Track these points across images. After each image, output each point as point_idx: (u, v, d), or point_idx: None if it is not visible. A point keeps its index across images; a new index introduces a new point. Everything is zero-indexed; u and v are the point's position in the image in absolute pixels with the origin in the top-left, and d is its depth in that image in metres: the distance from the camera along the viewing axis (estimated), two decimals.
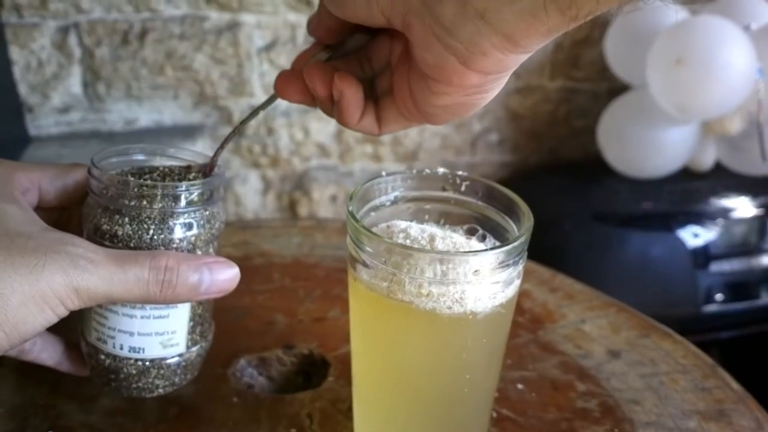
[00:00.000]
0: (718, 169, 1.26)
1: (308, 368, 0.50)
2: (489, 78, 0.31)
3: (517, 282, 0.36)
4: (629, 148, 1.21)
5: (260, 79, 1.21)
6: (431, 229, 0.38)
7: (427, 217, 0.41)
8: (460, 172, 0.41)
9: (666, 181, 1.22)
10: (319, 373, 0.49)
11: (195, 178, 0.39)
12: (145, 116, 1.19)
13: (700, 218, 1.17)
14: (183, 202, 0.37)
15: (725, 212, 1.19)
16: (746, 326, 1.21)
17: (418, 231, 0.37)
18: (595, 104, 1.37)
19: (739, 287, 1.18)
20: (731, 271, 1.17)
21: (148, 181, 0.38)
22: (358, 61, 0.39)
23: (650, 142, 1.18)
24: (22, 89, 1.12)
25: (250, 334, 0.52)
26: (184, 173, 0.40)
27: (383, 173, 0.40)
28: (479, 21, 0.28)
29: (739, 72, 1.03)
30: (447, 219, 0.41)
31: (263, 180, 1.31)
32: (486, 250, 0.34)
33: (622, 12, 0.28)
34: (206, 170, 0.40)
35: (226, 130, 1.24)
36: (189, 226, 0.38)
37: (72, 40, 1.11)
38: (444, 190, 0.41)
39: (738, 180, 1.24)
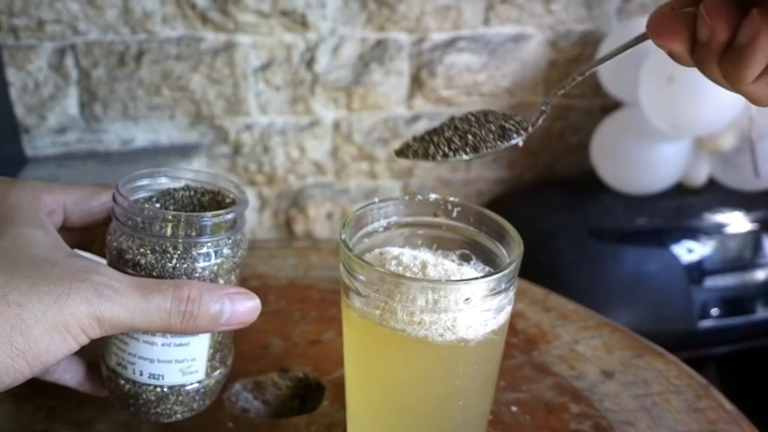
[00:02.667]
0: (712, 184, 1.27)
1: (303, 392, 0.51)
2: None
3: (509, 308, 0.36)
4: (623, 165, 1.22)
5: (256, 99, 1.22)
6: (424, 255, 0.38)
7: (419, 242, 0.42)
8: (451, 198, 0.41)
9: (660, 197, 1.23)
10: (315, 396, 0.50)
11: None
12: (141, 136, 1.20)
13: (694, 234, 1.18)
14: (207, 232, 0.37)
15: (719, 227, 1.20)
16: (742, 341, 1.21)
17: (410, 258, 0.37)
18: (588, 121, 1.38)
19: (735, 302, 1.18)
20: (726, 287, 1.18)
21: (172, 211, 0.38)
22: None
23: (643, 159, 1.19)
24: (19, 110, 1.13)
25: (246, 358, 0.52)
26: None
27: (376, 200, 0.41)
28: None
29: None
30: (440, 244, 0.42)
31: (259, 198, 1.32)
32: (477, 278, 0.35)
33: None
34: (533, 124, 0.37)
35: (223, 149, 1.24)
36: (212, 256, 0.37)
37: (69, 61, 1.12)
38: (436, 216, 0.42)
39: (731, 195, 1.24)
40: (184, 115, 1.20)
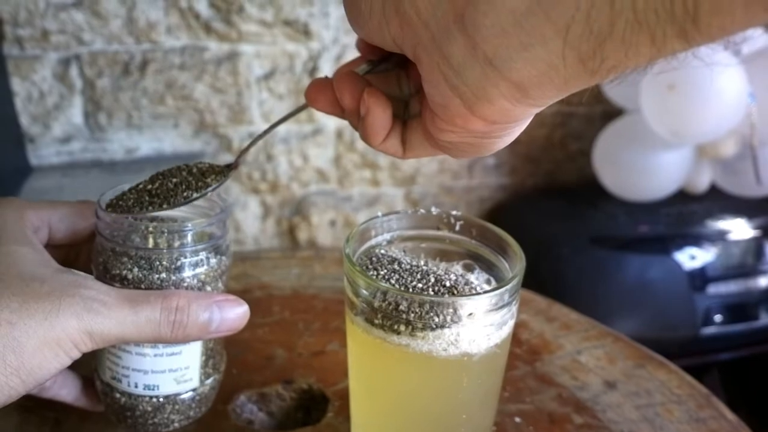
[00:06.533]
0: (714, 191, 1.27)
1: (308, 403, 0.51)
2: (495, 127, 0.29)
3: (511, 322, 0.37)
4: (624, 172, 1.22)
5: (259, 107, 1.23)
6: (428, 266, 0.39)
7: (423, 255, 0.42)
8: (454, 212, 0.42)
9: (662, 204, 1.23)
10: (319, 408, 0.50)
11: (215, 181, 0.38)
12: (145, 145, 1.20)
13: (696, 240, 1.18)
14: (190, 241, 0.37)
15: (722, 234, 1.20)
16: (745, 347, 1.21)
17: (414, 268, 0.38)
18: (590, 128, 1.38)
19: (737, 309, 1.19)
20: (729, 293, 1.18)
21: (154, 223, 0.38)
22: (398, 79, 0.37)
23: (645, 166, 1.19)
24: (24, 120, 1.13)
25: (250, 370, 0.52)
26: (201, 177, 0.39)
27: (379, 213, 0.41)
28: (488, 66, 0.26)
29: (731, 97, 1.05)
30: (443, 257, 0.42)
31: (263, 206, 1.32)
32: (480, 293, 0.35)
33: (648, 70, 0.25)
34: (230, 168, 0.38)
35: (227, 158, 1.25)
36: (198, 264, 0.38)
37: (73, 71, 1.13)
38: (439, 229, 0.42)
39: (733, 202, 1.25)
40: (187, 123, 1.21)
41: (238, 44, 1.17)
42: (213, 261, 0.39)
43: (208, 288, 0.39)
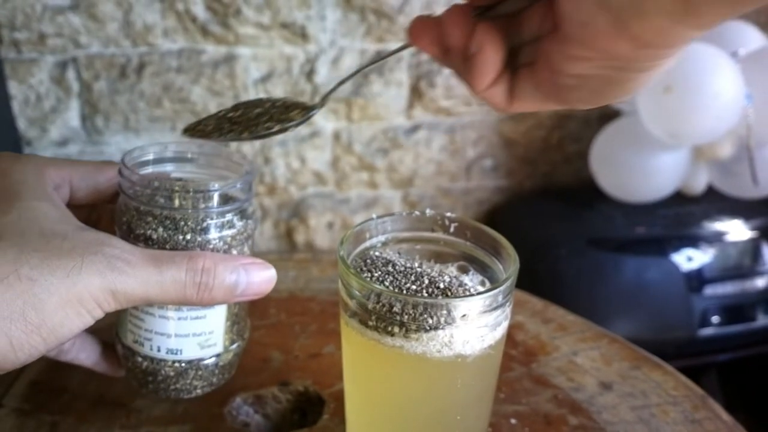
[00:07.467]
0: (711, 192, 1.27)
1: (304, 405, 0.51)
2: (643, 53, 0.26)
3: (505, 323, 0.37)
4: (621, 173, 1.22)
5: None
6: (422, 268, 0.39)
7: (418, 257, 0.42)
8: (448, 214, 0.42)
9: (659, 205, 1.23)
10: (315, 410, 0.50)
11: (299, 116, 0.36)
12: None
13: (694, 242, 1.18)
14: (217, 202, 0.36)
15: (719, 235, 1.20)
16: (743, 349, 1.21)
17: (409, 270, 0.38)
18: (587, 130, 1.38)
19: (735, 310, 1.19)
20: (726, 294, 1.18)
21: (180, 182, 0.37)
22: (506, 27, 0.33)
23: (642, 167, 1.19)
24: (21, 123, 1.13)
25: (246, 372, 0.52)
26: (285, 110, 0.36)
27: (374, 215, 0.41)
28: None
29: (728, 98, 1.05)
30: (437, 259, 0.42)
31: (260, 208, 1.32)
32: (473, 294, 0.35)
33: None
34: (314, 107, 0.36)
35: None
36: (224, 226, 0.37)
37: (70, 74, 1.13)
38: (433, 231, 0.42)
39: (731, 203, 1.25)
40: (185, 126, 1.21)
41: (235, 47, 1.17)
42: (239, 224, 0.37)
43: (234, 251, 0.37)
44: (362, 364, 0.37)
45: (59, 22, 1.09)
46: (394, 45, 1.23)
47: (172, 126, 1.20)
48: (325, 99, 0.37)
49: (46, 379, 0.50)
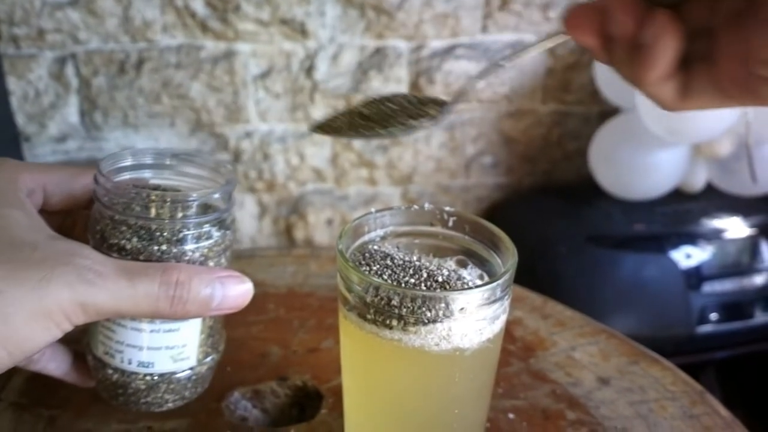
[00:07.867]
0: (710, 190, 1.27)
1: (302, 400, 0.51)
2: None
3: (504, 317, 0.37)
4: (621, 171, 1.22)
5: (256, 106, 1.23)
6: (421, 261, 0.39)
7: (416, 251, 0.42)
8: (447, 208, 0.42)
9: (658, 202, 1.23)
10: (313, 405, 0.50)
11: (435, 111, 0.34)
12: (141, 144, 1.20)
13: (692, 239, 1.18)
14: (194, 212, 0.35)
15: (717, 233, 1.20)
16: (741, 346, 1.21)
17: (407, 263, 0.38)
18: (586, 127, 1.38)
19: (733, 307, 1.19)
20: (724, 292, 1.18)
21: (157, 191, 0.36)
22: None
23: (641, 165, 1.19)
24: (20, 119, 1.13)
25: (245, 367, 0.52)
26: (420, 105, 0.35)
27: (372, 210, 0.41)
28: None
29: None
30: (436, 253, 0.42)
31: (259, 205, 1.32)
32: (472, 288, 0.35)
33: None
34: (451, 103, 0.34)
35: (223, 157, 1.25)
36: (201, 237, 0.35)
37: (69, 70, 1.13)
38: (432, 225, 0.42)
39: (729, 201, 1.25)
40: (184, 122, 1.21)
41: (235, 43, 1.17)
42: (217, 235, 0.36)
43: (211, 263, 0.36)
44: (361, 357, 0.37)
45: (58, 17, 1.09)
46: (393, 41, 1.23)
47: (170, 122, 1.20)
48: (461, 96, 0.35)
49: None
